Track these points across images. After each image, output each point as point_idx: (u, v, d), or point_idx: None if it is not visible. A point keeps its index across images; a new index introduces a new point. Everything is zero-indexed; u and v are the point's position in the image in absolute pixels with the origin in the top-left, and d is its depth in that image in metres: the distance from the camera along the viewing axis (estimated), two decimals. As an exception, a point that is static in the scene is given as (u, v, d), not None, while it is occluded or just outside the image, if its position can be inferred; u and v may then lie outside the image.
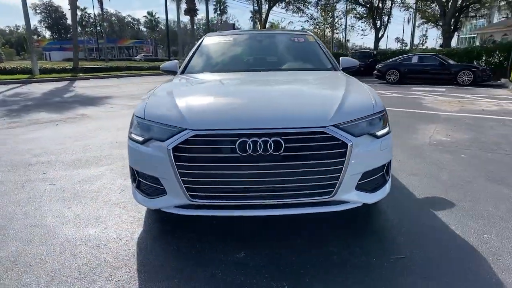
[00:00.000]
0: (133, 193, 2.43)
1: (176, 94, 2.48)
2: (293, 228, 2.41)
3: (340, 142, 2.00)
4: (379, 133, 2.20)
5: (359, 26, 35.33)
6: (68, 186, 3.21)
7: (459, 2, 21.53)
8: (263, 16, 37.61)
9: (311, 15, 37.73)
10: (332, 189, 2.06)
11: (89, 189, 3.16)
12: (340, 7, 36.62)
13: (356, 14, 34.03)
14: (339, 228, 2.40)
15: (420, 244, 2.20)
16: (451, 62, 14.94)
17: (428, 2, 28.52)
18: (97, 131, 5.59)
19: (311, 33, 4.04)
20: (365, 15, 33.37)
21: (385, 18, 31.64)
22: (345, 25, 38.22)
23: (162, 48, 78.71)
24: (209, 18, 47.74)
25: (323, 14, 37.07)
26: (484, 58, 16.42)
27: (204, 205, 2.10)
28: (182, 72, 3.36)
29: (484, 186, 3.16)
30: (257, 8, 36.92)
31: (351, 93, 2.38)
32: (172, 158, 1.99)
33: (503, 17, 27.13)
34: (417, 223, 2.47)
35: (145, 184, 2.26)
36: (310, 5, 35.80)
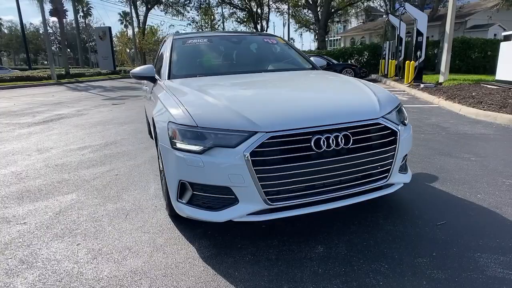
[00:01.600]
0: (179, 210, 2.21)
1: (216, 97, 2.34)
2: (344, 220, 2.54)
3: (391, 130, 2.23)
4: (406, 121, 2.52)
5: (241, 30, 36.80)
6: (51, 222, 2.66)
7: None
8: (141, 18, 35.97)
9: (192, 18, 37.78)
10: (387, 174, 2.29)
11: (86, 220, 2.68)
12: (222, 11, 37.68)
13: (237, 18, 35.51)
14: (378, 213, 2.61)
15: (440, 208, 2.60)
16: (335, 61, 17.03)
17: (300, 9, 31.75)
18: (12, 156, 4.64)
19: (278, 36, 4.20)
20: (245, 20, 35.12)
21: (264, 23, 33.90)
22: (223, 28, 39.31)
23: (8, 56, 67.11)
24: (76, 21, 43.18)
25: (204, 17, 37.53)
26: (355, 57, 19.23)
27: (278, 208, 2.07)
28: (169, 77, 3.09)
29: (443, 159, 3.85)
30: (132, 10, 35.00)
31: (374, 88, 2.65)
32: (251, 163, 1.92)
33: (360, 22, 32.20)
34: (424, 194, 2.89)
35: (205, 196, 2.09)
36: (190, 8, 35.79)
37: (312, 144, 2.00)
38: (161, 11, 36.31)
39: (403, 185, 2.51)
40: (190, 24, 41.59)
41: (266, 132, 1.95)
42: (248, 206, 2.02)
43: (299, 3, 30.45)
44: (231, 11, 34.91)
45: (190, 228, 2.45)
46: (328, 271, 1.93)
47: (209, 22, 37.80)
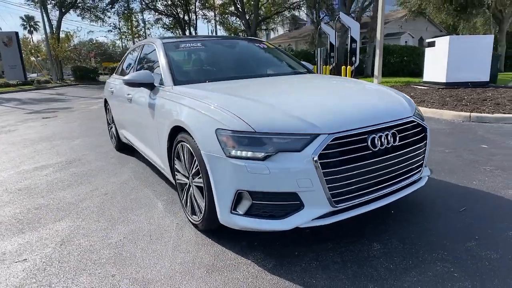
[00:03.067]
0: (232, 223, 2.06)
1: (259, 101, 2.24)
2: (373, 221, 2.59)
3: (422, 127, 2.38)
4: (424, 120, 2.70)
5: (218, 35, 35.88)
6: (59, 255, 2.25)
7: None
8: (54, 23, 32.79)
9: (114, 24, 35.67)
10: (421, 168, 2.43)
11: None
12: (147, 17, 36.21)
13: (163, 25, 34.48)
14: (402, 211, 2.72)
15: (452, 196, 2.83)
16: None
17: (227, 16, 32.06)
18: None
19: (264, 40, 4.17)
20: (172, 26, 34.26)
21: (193, 30, 33.46)
22: (145, 35, 37.70)
23: None
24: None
25: (127, 24, 35.71)
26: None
27: (340, 209, 2.05)
28: (175, 84, 2.86)
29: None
30: (43, 14, 31.73)
31: (395, 91, 2.78)
32: (319, 166, 1.87)
33: (286, 30, 33.67)
34: (431, 186, 3.11)
35: (267, 205, 1.98)
36: (111, 13, 33.75)
37: (369, 143, 2.03)
38: (78, 15, 33.41)
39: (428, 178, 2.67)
40: (111, 31, 39.30)
41: (329, 134, 1.93)
42: (314, 211, 1.96)
43: (226, 11, 30.76)
44: (156, 17, 33.76)
45: (232, 242, 2.29)
46: (399, 265, 1.96)
47: (132, 28, 36.07)
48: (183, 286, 1.87)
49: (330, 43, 15.39)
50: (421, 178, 2.51)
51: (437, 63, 9.62)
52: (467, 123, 6.01)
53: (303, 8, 26.12)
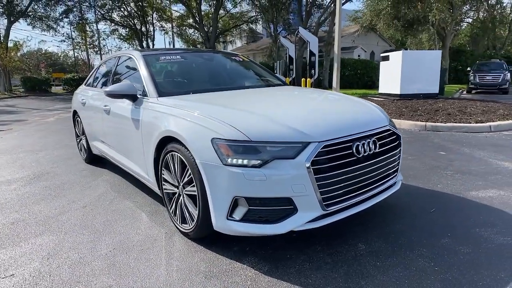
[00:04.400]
0: (228, 229, 2.14)
1: (249, 111, 2.35)
2: (356, 224, 2.76)
3: (396, 135, 2.62)
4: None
5: (126, 47, 34.99)
6: (48, 269, 2.18)
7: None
8: (1, 32, 30.80)
9: (67, 34, 34.24)
10: (396, 173, 2.66)
11: None
12: (103, 27, 35.03)
13: (119, 36, 33.62)
14: (378, 215, 2.93)
15: (421, 199, 3.11)
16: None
17: (185, 28, 31.97)
18: None
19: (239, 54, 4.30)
20: (128, 37, 33.52)
21: (150, 41, 32.94)
22: (99, 46, 36.49)
23: None
24: None
25: (81, 34, 34.39)
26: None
27: (329, 212, 2.19)
28: (160, 95, 2.88)
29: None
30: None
31: (370, 102, 3.01)
32: (312, 172, 2.02)
33: (244, 43, 34.22)
34: (399, 190, 3.37)
35: (262, 210, 2.08)
36: (64, 23, 32.35)
37: (354, 150, 2.21)
38: (28, 24, 31.58)
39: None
40: (64, 41, 37.64)
41: (319, 142, 2.08)
42: (307, 214, 2.09)
43: (184, 23, 30.68)
44: (112, 27, 32.86)
45: (224, 248, 2.35)
46: (384, 262, 2.14)
47: (86, 38, 34.78)
48: (184, 293, 1.90)
49: (289, 56, 15.90)
50: (395, 182, 2.74)
51: (391, 76, 10.34)
52: (424, 132, 6.52)
53: (260, 22, 26.73)
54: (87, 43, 35.22)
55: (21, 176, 4.26)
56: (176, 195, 2.55)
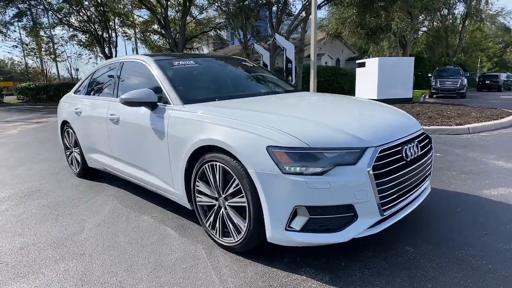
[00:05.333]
0: (287, 240, 2.05)
1: (299, 117, 2.30)
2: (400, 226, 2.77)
3: (429, 138, 2.68)
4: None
5: (86, 54, 33.54)
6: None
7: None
8: None
9: (20, 39, 32.26)
10: (430, 176, 2.71)
11: None
12: (60, 33, 33.17)
13: (79, 42, 32.14)
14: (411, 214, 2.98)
15: (443, 199, 3.19)
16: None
17: (149, 34, 31.25)
18: None
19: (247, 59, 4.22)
20: (89, 43, 32.12)
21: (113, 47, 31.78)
22: (54, 52, 34.64)
23: None
24: None
25: (36, 39, 32.51)
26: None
27: (383, 218, 2.17)
28: (185, 103, 2.73)
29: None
30: None
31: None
32: (373, 177, 2.00)
33: (211, 49, 33.99)
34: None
35: (324, 219, 2.02)
36: (15, 28, 30.39)
37: (403, 153, 2.22)
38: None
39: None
40: (17, 46, 35.39)
41: (376, 147, 2.07)
42: (367, 221, 2.05)
43: (149, 29, 29.99)
44: (71, 33, 31.34)
45: (275, 260, 2.26)
46: (439, 264, 2.15)
47: (40, 44, 32.93)
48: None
49: (264, 63, 15.99)
50: (428, 185, 2.79)
51: (368, 82, 10.72)
52: (410, 134, 6.77)
53: (228, 28, 26.71)
54: (42, 49, 33.36)
55: (7, 195, 3.87)
56: (216, 207, 2.42)
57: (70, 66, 37.85)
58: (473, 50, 36.89)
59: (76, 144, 4.30)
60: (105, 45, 30.82)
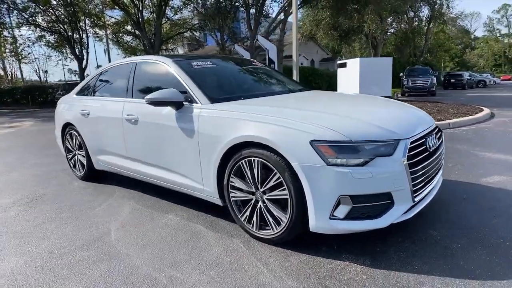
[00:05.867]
0: (331, 228, 2.18)
1: (334, 113, 2.48)
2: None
3: (441, 131, 2.90)
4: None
5: (55, 55, 32.28)
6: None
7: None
8: None
9: (-21, 40, 30.50)
10: (442, 166, 2.93)
11: None
12: (26, 33, 31.65)
13: (47, 43, 30.86)
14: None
15: (447, 188, 3.44)
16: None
17: (121, 35, 30.54)
18: None
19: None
20: (57, 44, 30.93)
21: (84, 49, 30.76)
22: (17, 53, 33.03)
23: None
24: None
25: (-1, 40, 30.89)
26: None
27: (414, 204, 2.34)
28: (212, 101, 2.80)
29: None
30: None
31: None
32: (408, 167, 2.17)
33: (187, 51, 33.62)
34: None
35: (365, 207, 2.16)
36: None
37: (427, 144, 2.42)
38: None
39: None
40: (-22, 47, 33.45)
41: (407, 139, 2.24)
42: (402, 207, 2.22)
43: (122, 30, 29.33)
44: (38, 34, 30.04)
45: (314, 249, 2.38)
46: (465, 243, 2.35)
47: (4, 45, 31.32)
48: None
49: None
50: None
51: (350, 81, 11.11)
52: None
53: (205, 29, 26.59)
54: (5, 50, 31.75)
55: (11, 201, 3.75)
56: (253, 201, 2.51)
57: (39, 68, 36.25)
58: (438, 51, 38.82)
59: (81, 146, 4.23)
60: (75, 46, 29.80)
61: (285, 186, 2.26)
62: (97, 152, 4.00)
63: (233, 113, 2.58)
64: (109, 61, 35.40)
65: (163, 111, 3.03)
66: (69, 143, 4.48)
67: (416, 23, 31.98)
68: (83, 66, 29.20)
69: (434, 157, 2.51)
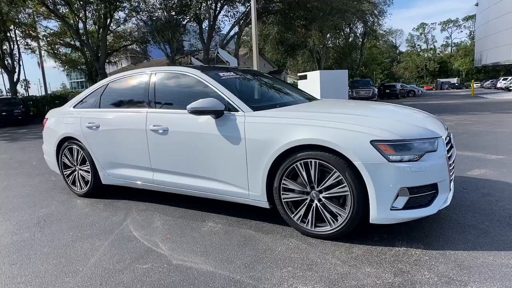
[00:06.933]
0: (390, 218, 2.45)
1: (377, 116, 2.76)
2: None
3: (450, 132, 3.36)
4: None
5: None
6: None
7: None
8: None
9: None
10: (453, 160, 3.38)
11: None
12: None
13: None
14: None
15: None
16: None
17: (58, 47, 28.67)
18: None
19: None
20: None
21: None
22: None
23: None
24: None
25: None
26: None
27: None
28: (254, 109, 2.96)
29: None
30: None
31: None
32: (448, 160, 2.54)
33: (131, 63, 32.52)
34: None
35: (418, 197, 2.47)
36: None
37: (452, 141, 2.83)
38: None
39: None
40: None
41: (441, 137, 2.62)
42: (443, 196, 2.56)
43: (60, 41, 27.56)
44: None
45: (366, 240, 2.61)
46: (486, 223, 2.76)
47: None
48: None
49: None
50: None
51: (310, 91, 11.74)
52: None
53: (151, 42, 26.06)
54: None
55: (17, 224, 3.48)
56: (307, 201, 2.68)
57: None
58: (371, 64, 42.32)
59: (84, 161, 4.04)
60: (5, 58, 27.27)
61: (345, 184, 2.48)
62: (107, 166, 3.86)
63: (284, 119, 2.76)
64: (43, 74, 32.83)
65: (199, 120, 3.09)
66: (67, 159, 4.23)
67: (352, 38, 34.60)
68: (15, 80, 26.77)
69: (451, 154, 2.91)
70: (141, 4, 22.34)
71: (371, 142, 2.40)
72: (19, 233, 3.20)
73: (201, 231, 3.00)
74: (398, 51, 73.10)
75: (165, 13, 20.34)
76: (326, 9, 17.73)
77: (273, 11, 19.98)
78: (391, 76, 64.17)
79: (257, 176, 2.83)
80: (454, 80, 58.96)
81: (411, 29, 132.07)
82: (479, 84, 44.06)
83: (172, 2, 19.95)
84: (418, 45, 79.27)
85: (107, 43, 25.29)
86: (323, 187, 2.60)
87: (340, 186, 2.52)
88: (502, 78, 36.59)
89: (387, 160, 2.36)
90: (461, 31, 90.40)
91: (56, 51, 28.48)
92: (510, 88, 30.34)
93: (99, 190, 4.13)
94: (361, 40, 34.22)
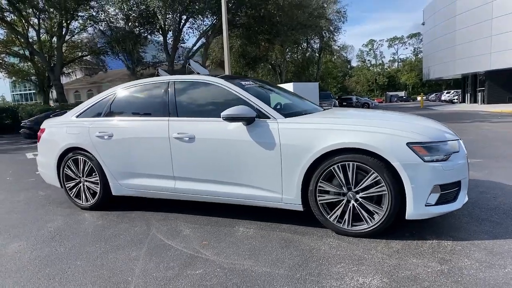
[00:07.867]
0: (424, 214, 2.68)
1: (400, 120, 3.06)
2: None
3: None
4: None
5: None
6: None
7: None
8: None
9: None
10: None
11: None
12: None
13: None
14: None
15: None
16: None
17: (4, 56, 26.79)
18: None
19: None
20: None
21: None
22: None
23: None
24: None
25: None
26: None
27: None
28: (285, 116, 3.10)
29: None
30: None
31: None
32: (468, 160, 2.87)
33: (86, 74, 30.91)
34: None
35: (447, 193, 2.74)
36: None
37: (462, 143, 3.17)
38: None
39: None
40: None
41: (459, 139, 2.94)
42: (464, 192, 2.86)
43: (8, 51, 25.79)
44: None
45: (400, 236, 2.83)
46: (497, 216, 3.11)
47: None
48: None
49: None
50: None
51: (284, 104, 12.18)
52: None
53: (109, 53, 25.22)
54: None
55: (29, 237, 3.28)
56: (344, 201, 2.85)
57: None
58: (327, 78, 44.31)
59: (91, 172, 3.90)
60: None
61: (383, 183, 2.69)
62: (120, 176, 3.76)
63: (319, 125, 2.92)
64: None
65: (229, 127, 3.17)
66: (71, 170, 4.04)
67: (309, 53, 36.08)
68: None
69: None
70: (100, 13, 21.69)
71: (407, 144, 2.64)
72: (38, 249, 3.02)
73: (236, 236, 3.04)
74: (349, 66, 77.33)
75: (127, 24, 19.88)
76: (291, 24, 18.45)
77: (238, 24, 20.38)
78: (344, 89, 67.69)
79: (292, 180, 2.96)
80: (402, 94, 63.70)
81: (361, 45, 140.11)
82: (425, 97, 47.84)
83: (135, 14, 19.58)
84: (368, 60, 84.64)
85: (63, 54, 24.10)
86: (359, 188, 2.78)
87: (378, 186, 2.72)
88: (445, 91, 40.14)
89: (423, 160, 2.61)
90: (406, 48, 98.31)
91: (1, 61, 26.51)
92: (454, 100, 33.41)
93: (107, 202, 3.99)
94: (317, 55, 35.78)
